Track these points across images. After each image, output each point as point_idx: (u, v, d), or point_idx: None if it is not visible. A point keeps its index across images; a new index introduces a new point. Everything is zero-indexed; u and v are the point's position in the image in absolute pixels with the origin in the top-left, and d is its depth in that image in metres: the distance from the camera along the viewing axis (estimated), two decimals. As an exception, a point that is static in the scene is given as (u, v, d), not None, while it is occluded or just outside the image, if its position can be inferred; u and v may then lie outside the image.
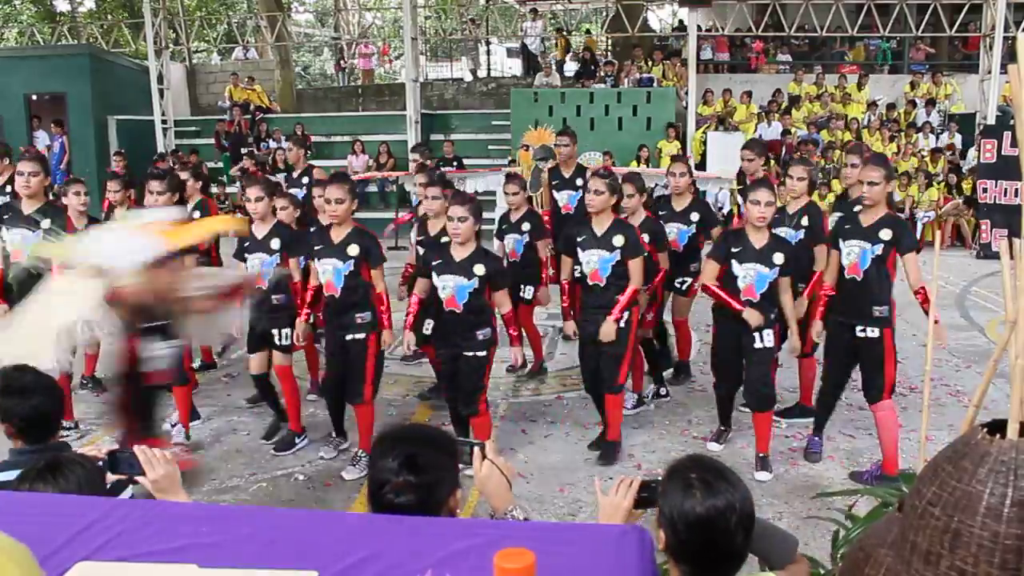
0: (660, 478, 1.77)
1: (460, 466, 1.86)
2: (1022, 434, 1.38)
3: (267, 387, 5.06)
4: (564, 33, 18.16)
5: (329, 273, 4.53)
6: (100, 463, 1.92)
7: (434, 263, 4.48)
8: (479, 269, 4.36)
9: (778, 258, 4.41)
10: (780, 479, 4.49)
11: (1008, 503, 1.25)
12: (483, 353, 4.44)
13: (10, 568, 0.99)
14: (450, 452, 1.76)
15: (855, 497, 3.28)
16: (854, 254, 4.40)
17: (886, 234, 4.34)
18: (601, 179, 4.65)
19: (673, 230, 5.52)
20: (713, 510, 1.57)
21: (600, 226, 4.66)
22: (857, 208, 4.63)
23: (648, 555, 1.52)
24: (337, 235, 4.58)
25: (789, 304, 4.55)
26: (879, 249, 4.34)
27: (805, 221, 4.99)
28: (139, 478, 1.89)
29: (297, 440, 4.97)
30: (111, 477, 1.96)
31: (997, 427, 1.39)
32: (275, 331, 4.89)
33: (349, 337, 4.57)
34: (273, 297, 4.86)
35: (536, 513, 4.12)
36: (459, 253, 4.41)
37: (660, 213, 5.58)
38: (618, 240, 4.60)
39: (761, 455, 4.56)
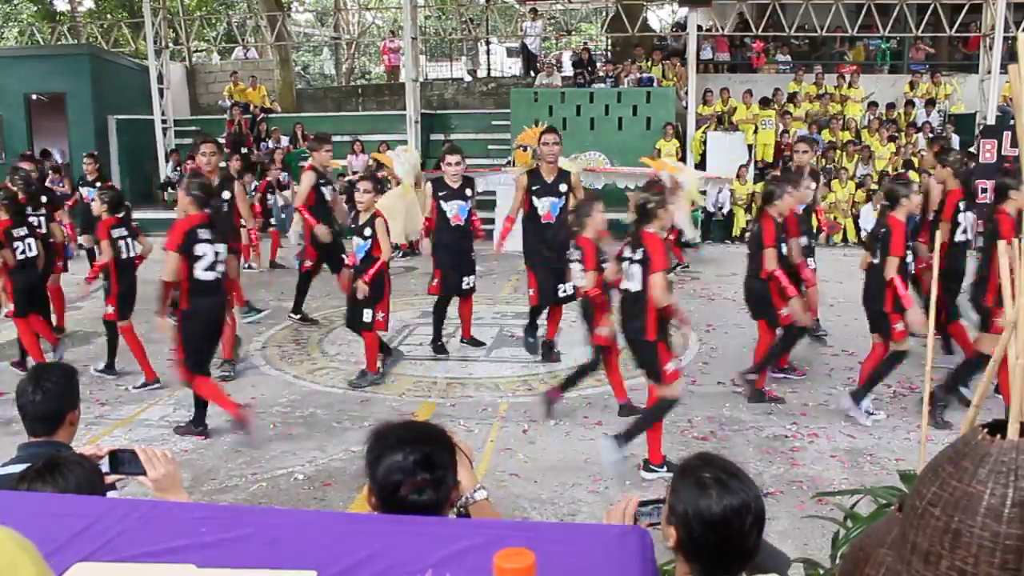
0: (656, 498, 1.78)
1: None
2: (1022, 434, 1.37)
3: None
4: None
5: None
6: (100, 463, 1.92)
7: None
8: None
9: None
10: (780, 479, 4.49)
11: (1008, 503, 1.25)
12: None
13: (24, 560, 1.00)
14: (449, 448, 1.73)
15: (855, 497, 3.27)
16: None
17: None
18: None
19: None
20: (729, 509, 1.58)
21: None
22: None
23: (648, 555, 1.52)
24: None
25: None
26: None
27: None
28: (140, 478, 1.88)
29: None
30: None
31: (997, 427, 1.39)
32: None
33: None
34: None
35: (536, 513, 4.12)
36: None
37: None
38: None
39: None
